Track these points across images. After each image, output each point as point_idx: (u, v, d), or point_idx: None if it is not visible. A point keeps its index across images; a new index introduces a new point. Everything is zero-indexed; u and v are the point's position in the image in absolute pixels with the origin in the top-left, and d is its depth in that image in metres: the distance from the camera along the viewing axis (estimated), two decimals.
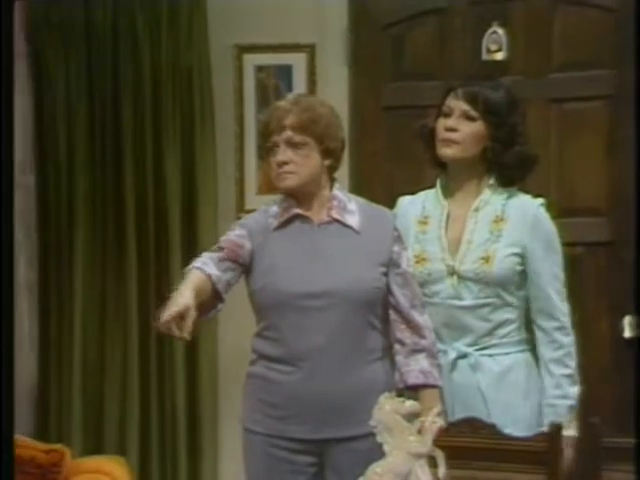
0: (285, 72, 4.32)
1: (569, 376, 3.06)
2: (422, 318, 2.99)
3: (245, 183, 4.40)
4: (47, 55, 4.33)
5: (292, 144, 2.92)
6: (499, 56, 4.17)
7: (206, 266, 2.83)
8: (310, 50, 4.31)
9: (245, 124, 4.37)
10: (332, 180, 3.02)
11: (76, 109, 4.35)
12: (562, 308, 3.10)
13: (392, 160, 4.31)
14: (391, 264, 2.97)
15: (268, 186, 4.29)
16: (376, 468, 2.32)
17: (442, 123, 3.13)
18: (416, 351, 2.96)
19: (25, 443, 3.67)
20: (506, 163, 3.12)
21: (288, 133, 2.91)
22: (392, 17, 4.31)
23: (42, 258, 4.41)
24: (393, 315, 2.98)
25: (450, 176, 3.19)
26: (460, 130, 3.11)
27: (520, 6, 4.19)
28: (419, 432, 2.32)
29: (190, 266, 2.84)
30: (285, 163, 2.93)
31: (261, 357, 2.97)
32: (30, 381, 4.43)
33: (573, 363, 3.08)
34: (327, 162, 2.97)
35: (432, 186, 3.26)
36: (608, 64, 4.08)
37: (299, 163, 2.92)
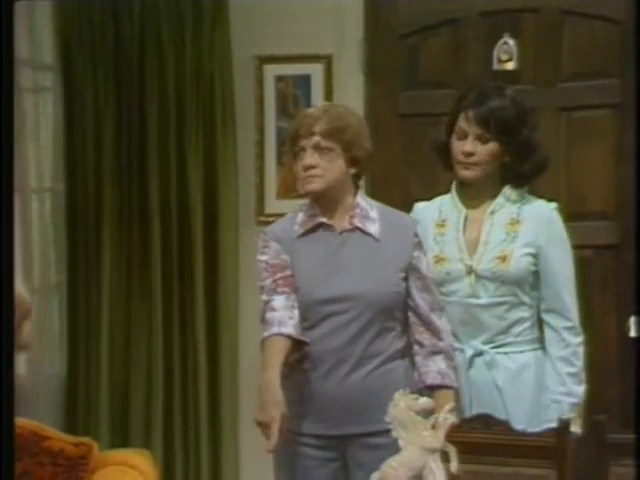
0: (304, 82, 4.33)
1: (574, 374, 3.08)
2: (440, 321, 3.00)
3: (265, 188, 4.41)
4: (77, 66, 4.35)
5: (319, 149, 2.91)
6: (510, 66, 4.18)
7: (283, 326, 2.86)
8: (328, 60, 4.32)
9: (265, 132, 4.39)
10: (356, 188, 3.02)
11: (104, 117, 4.37)
12: (573, 308, 3.12)
13: (407, 165, 4.33)
14: (411, 269, 2.97)
15: (286, 191, 4.35)
16: (391, 462, 2.33)
17: (458, 146, 3.14)
18: (434, 353, 2.97)
19: (55, 436, 3.70)
20: (521, 174, 3.15)
21: (316, 138, 2.91)
22: (407, 28, 4.32)
23: (71, 259, 4.44)
24: (412, 318, 2.99)
25: (467, 184, 3.20)
26: (477, 153, 3.11)
27: (530, 18, 4.20)
28: (432, 428, 2.34)
29: (267, 330, 2.87)
30: (312, 167, 2.92)
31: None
32: (60, 377, 4.46)
33: (579, 362, 3.09)
34: (352, 170, 2.97)
35: (446, 190, 3.28)
36: (615, 73, 4.09)
37: (325, 167, 2.92)
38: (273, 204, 4.38)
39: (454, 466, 2.30)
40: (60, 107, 4.41)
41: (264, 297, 2.96)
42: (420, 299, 2.98)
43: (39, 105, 4.44)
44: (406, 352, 3.00)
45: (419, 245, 3.01)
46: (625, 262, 3.99)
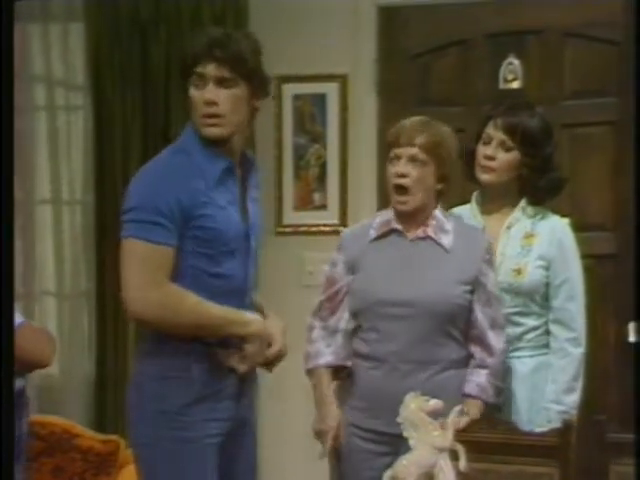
0: (320, 100, 4.33)
1: (567, 384, 3.06)
2: (496, 339, 2.95)
3: (283, 200, 4.42)
4: (106, 85, 4.37)
5: (415, 160, 2.90)
6: (515, 85, 4.19)
7: (320, 357, 3.01)
8: (343, 80, 4.32)
9: (283, 147, 4.39)
10: (437, 202, 2.99)
11: (131, 133, 4.38)
12: (579, 320, 3.10)
13: None
14: (477, 284, 2.93)
15: (303, 203, 4.36)
16: (403, 460, 2.34)
17: (482, 150, 3.13)
18: (480, 366, 2.94)
19: (85, 434, 3.72)
20: (539, 188, 3.13)
21: (415, 150, 2.89)
22: (418, 49, 4.33)
23: (99, 269, 4.45)
24: (470, 330, 2.95)
25: (486, 195, 3.19)
26: (497, 158, 3.10)
27: (534, 39, 4.21)
28: (442, 428, 2.34)
29: (307, 363, 3.02)
30: (403, 176, 2.91)
31: (354, 352, 3.01)
32: (89, 378, 4.47)
33: (575, 373, 3.07)
34: (439, 186, 2.95)
35: (456, 201, 3.27)
36: (613, 92, 4.09)
37: (416, 179, 2.90)
38: (290, 216, 4.39)
39: (463, 464, 2.30)
40: (90, 124, 4.43)
41: (310, 316, 3.05)
42: (481, 313, 2.94)
43: (71, 122, 4.49)
44: (464, 361, 2.97)
45: (489, 262, 2.97)
46: (623, 271, 3.98)
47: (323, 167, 4.34)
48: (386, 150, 2.99)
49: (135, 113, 4.39)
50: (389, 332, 2.91)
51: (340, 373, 3.03)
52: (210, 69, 2.62)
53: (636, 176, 2.81)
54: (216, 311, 2.61)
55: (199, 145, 2.65)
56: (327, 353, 2.98)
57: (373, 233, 3.01)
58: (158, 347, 2.64)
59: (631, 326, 3.98)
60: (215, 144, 2.65)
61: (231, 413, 2.70)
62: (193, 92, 2.65)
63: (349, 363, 2.98)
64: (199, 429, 2.63)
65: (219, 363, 2.63)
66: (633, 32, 3.25)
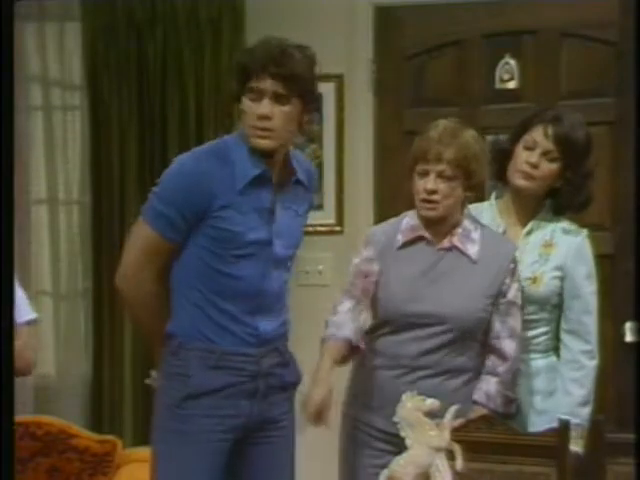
0: None
1: (582, 397, 3.00)
2: (511, 346, 2.91)
3: None
4: (103, 85, 4.37)
5: (443, 176, 2.84)
6: (511, 85, 4.19)
7: (340, 329, 2.86)
8: (339, 80, 4.30)
9: None
10: (464, 208, 2.94)
11: (128, 133, 4.38)
12: (593, 332, 3.05)
13: None
14: (498, 294, 2.90)
15: None
16: (400, 460, 2.34)
17: (524, 156, 3.03)
18: (491, 374, 2.91)
19: (82, 434, 3.71)
20: (572, 204, 3.09)
21: (443, 166, 2.83)
22: (414, 49, 4.31)
23: (96, 268, 4.44)
24: (488, 338, 2.92)
25: (512, 198, 3.11)
26: (540, 168, 3.02)
27: (530, 39, 4.19)
28: (438, 428, 2.33)
29: (325, 332, 2.89)
30: (433, 192, 2.85)
31: (369, 349, 2.96)
32: (86, 378, 4.46)
33: (590, 385, 3.02)
34: (467, 194, 2.90)
35: None
36: (610, 92, 4.08)
37: (445, 194, 2.84)
38: None
39: (459, 464, 2.29)
40: (87, 124, 4.43)
41: (338, 299, 2.97)
42: (499, 323, 2.90)
43: (67, 122, 4.48)
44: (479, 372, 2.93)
45: (513, 272, 2.92)
46: (620, 270, 3.97)
47: (319, 167, 4.31)
48: (412, 163, 2.91)
49: (131, 113, 4.38)
50: (408, 339, 2.89)
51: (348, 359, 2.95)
52: (267, 84, 2.66)
53: (636, 176, 2.80)
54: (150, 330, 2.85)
55: (242, 150, 2.72)
56: (348, 328, 2.86)
57: (400, 239, 2.95)
58: (170, 347, 2.77)
59: (628, 326, 3.98)
60: (261, 153, 2.71)
61: (244, 411, 2.74)
62: (248, 104, 2.70)
63: (363, 345, 2.90)
64: (198, 423, 2.70)
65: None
66: (633, 32, 3.24)
